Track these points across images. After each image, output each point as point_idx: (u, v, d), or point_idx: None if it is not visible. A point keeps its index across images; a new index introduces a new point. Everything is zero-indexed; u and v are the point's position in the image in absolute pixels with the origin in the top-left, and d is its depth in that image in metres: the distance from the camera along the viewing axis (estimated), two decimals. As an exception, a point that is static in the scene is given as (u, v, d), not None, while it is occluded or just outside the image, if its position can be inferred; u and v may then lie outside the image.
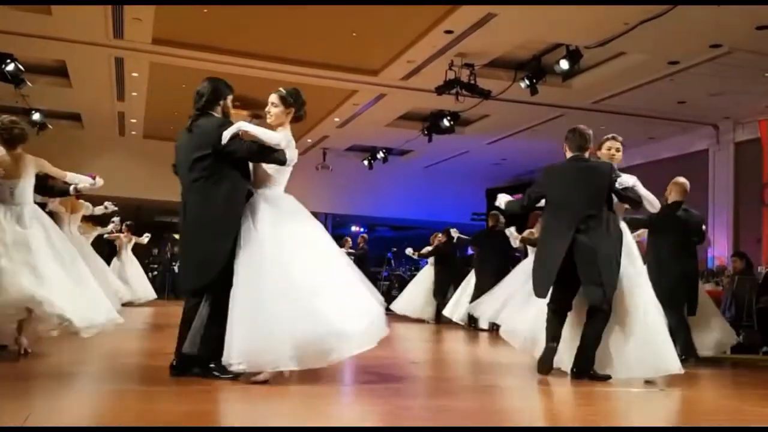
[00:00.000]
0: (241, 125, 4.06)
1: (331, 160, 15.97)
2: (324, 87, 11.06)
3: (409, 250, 11.93)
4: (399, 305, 11.49)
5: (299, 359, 3.81)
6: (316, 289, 3.95)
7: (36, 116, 12.25)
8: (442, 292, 10.95)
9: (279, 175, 4.22)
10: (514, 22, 8.21)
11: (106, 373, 4.54)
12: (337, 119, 13.10)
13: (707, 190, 12.17)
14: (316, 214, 18.06)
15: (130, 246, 12.00)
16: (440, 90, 9.57)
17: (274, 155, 4.08)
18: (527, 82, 9.48)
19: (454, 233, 11.00)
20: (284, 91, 4.29)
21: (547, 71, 9.43)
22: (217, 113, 4.27)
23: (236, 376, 3.89)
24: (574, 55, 8.74)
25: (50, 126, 12.79)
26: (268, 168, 4.19)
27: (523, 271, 5.49)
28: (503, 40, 8.88)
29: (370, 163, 15.39)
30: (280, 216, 4.11)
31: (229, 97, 4.36)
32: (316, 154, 15.88)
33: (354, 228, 21.07)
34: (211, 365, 3.97)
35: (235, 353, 3.76)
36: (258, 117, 15.24)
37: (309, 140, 14.81)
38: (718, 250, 11.69)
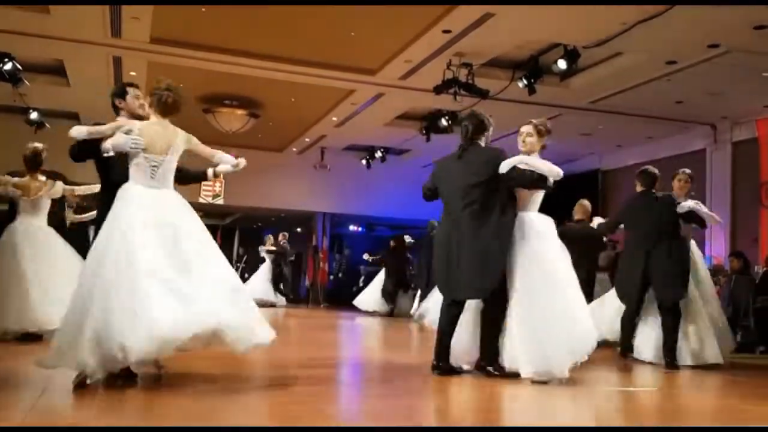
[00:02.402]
0: (523, 158, 4.59)
1: (329, 159, 15.96)
2: (322, 86, 11.06)
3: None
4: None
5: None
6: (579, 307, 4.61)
7: (34, 115, 12.24)
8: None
9: (537, 198, 4.75)
10: (512, 22, 8.22)
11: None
12: (335, 118, 13.09)
13: (704, 190, 12.16)
14: (314, 214, 18.23)
15: None
16: (438, 89, 9.57)
17: (542, 182, 4.58)
18: (525, 81, 9.49)
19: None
20: (537, 122, 4.88)
21: (544, 71, 9.44)
22: (482, 143, 4.83)
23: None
24: (571, 55, 8.75)
25: (48, 125, 12.77)
26: (532, 192, 4.68)
27: None
28: (501, 39, 8.88)
29: (368, 162, 15.39)
30: (539, 236, 4.62)
31: (487, 131, 4.89)
32: (314, 153, 15.87)
33: (352, 227, 21.08)
34: (489, 367, 4.55)
35: (525, 364, 4.38)
36: (255, 117, 15.27)
37: (307, 139, 14.79)
38: (716, 249, 11.70)
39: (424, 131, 12.29)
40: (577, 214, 8.31)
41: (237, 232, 21.64)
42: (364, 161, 15.46)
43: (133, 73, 10.87)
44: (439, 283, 4.79)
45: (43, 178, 6.35)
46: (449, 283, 4.61)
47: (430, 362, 4.60)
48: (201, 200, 16.22)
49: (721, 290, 8.84)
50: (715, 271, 9.95)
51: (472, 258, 4.51)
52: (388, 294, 13.26)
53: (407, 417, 3.39)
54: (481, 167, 4.63)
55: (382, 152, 14.92)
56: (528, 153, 4.74)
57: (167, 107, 4.04)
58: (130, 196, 3.83)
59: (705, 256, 11.57)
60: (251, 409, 3.40)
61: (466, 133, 4.82)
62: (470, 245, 4.52)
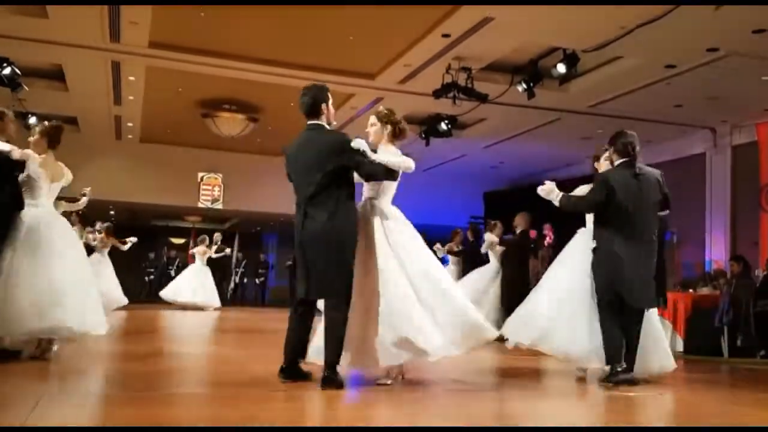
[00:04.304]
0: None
1: (328, 163, 15.92)
2: (321, 91, 11.06)
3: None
4: None
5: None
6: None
7: (32, 120, 12.20)
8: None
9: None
10: (511, 26, 8.22)
11: (108, 378, 4.52)
12: (334, 123, 13.02)
13: (704, 194, 12.18)
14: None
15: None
16: (437, 94, 9.57)
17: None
18: (524, 85, 9.48)
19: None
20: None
21: (544, 75, 9.44)
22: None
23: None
24: (571, 59, 8.76)
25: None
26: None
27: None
28: (500, 43, 8.88)
29: (367, 166, 15.36)
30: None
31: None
32: (314, 157, 15.84)
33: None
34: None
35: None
36: (255, 121, 15.24)
37: (306, 144, 14.75)
38: (716, 253, 11.69)
39: (423, 135, 12.28)
40: (519, 226, 8.86)
41: (237, 237, 21.61)
42: (363, 165, 15.43)
43: (131, 78, 10.88)
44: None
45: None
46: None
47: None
48: (200, 205, 16.21)
49: (721, 295, 8.81)
50: (716, 275, 9.93)
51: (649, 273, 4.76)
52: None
53: (407, 418, 3.37)
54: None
55: (381, 156, 14.90)
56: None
57: None
58: None
59: (705, 261, 11.58)
60: (252, 411, 3.38)
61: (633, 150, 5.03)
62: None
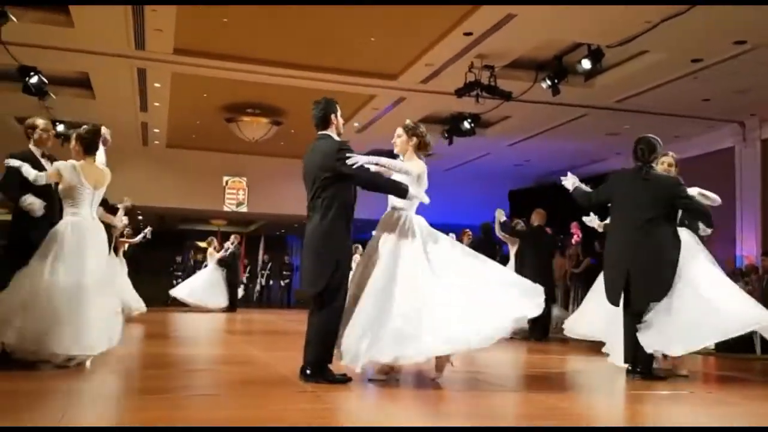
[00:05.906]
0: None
1: (351, 165, 15.95)
2: (343, 92, 11.07)
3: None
4: None
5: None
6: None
7: (60, 128, 12.38)
8: None
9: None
10: (534, 23, 8.15)
11: (137, 380, 4.56)
12: (356, 124, 13.11)
13: (734, 188, 11.97)
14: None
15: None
16: (460, 92, 9.52)
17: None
18: (549, 82, 9.40)
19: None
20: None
21: (568, 71, 9.34)
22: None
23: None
24: (596, 55, 8.66)
25: (75, 137, 12.95)
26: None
27: None
28: (523, 40, 8.81)
29: (390, 167, 15.36)
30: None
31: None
32: (337, 159, 15.88)
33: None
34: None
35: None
36: (278, 124, 15.24)
37: (330, 146, 14.80)
38: (747, 248, 11.49)
39: (446, 134, 12.24)
40: (535, 221, 9.55)
41: (262, 240, 21.73)
42: (386, 166, 15.42)
43: (157, 85, 11.00)
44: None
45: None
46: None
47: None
48: (225, 208, 16.33)
49: (753, 290, 8.65)
50: (747, 271, 9.76)
51: (646, 268, 4.90)
52: None
53: (433, 417, 3.36)
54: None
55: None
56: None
57: None
58: None
59: (736, 256, 11.38)
60: (277, 411, 3.39)
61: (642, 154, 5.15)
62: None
